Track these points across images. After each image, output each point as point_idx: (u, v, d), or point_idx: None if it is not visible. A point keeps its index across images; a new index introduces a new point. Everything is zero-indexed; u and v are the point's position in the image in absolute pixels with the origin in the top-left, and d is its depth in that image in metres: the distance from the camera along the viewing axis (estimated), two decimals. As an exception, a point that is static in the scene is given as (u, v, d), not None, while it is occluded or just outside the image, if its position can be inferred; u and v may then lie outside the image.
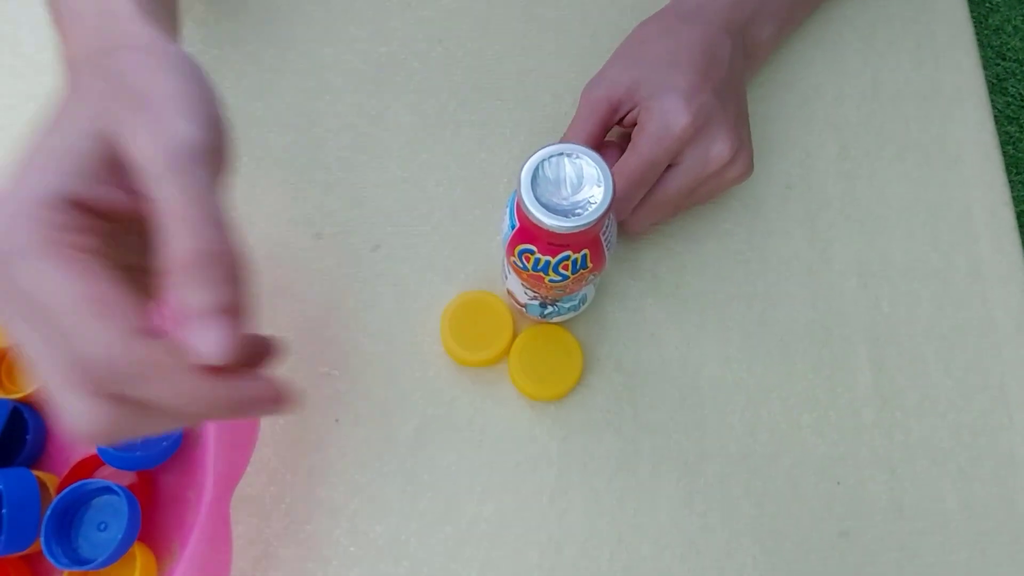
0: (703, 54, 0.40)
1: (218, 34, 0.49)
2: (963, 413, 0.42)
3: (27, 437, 0.38)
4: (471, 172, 0.47)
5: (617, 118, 0.41)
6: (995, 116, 0.48)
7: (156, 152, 0.24)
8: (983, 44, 1.24)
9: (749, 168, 0.42)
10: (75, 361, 0.22)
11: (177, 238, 0.23)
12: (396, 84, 0.49)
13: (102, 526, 0.36)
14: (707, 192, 0.42)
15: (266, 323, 0.43)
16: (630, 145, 0.39)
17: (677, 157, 0.39)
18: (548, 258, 0.33)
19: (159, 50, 0.27)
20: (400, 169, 0.47)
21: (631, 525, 0.40)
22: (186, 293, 0.23)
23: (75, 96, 0.26)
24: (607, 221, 0.33)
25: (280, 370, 0.42)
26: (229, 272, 0.24)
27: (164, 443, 0.37)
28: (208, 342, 0.23)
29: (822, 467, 0.41)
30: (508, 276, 0.40)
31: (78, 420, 0.22)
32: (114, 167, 0.25)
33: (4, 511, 0.34)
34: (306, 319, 0.44)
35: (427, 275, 0.44)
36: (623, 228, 0.42)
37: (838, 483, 0.41)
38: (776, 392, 0.43)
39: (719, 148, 0.39)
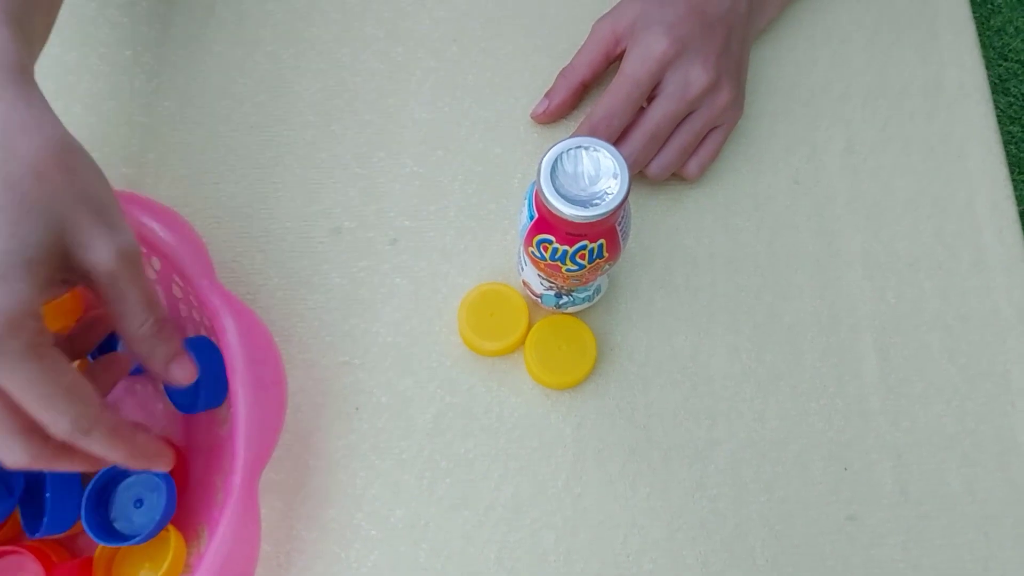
0: None
1: (239, 35, 0.51)
2: (967, 400, 0.43)
3: None
4: (486, 168, 0.48)
5: (619, 49, 0.45)
6: (997, 116, 0.49)
7: (110, 258, 0.30)
8: (985, 45, 1.25)
9: (738, 103, 0.46)
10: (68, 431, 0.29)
11: (137, 317, 0.32)
12: (412, 83, 0.50)
13: (138, 503, 0.38)
14: (701, 123, 0.45)
15: (287, 313, 0.45)
16: (618, 70, 0.44)
17: (660, 85, 0.44)
18: (566, 248, 0.34)
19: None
20: (416, 165, 0.48)
21: (644, 509, 0.41)
22: (157, 351, 0.33)
23: (35, 194, 0.29)
24: (622, 212, 0.34)
25: (302, 359, 0.44)
26: (173, 326, 0.33)
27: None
28: (186, 373, 0.33)
29: (830, 453, 0.42)
30: (524, 267, 0.41)
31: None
32: (65, 266, 0.30)
33: (47, 495, 0.35)
34: (326, 310, 0.45)
35: (443, 268, 0.46)
36: (641, 176, 0.46)
37: (845, 468, 0.42)
38: (784, 380, 0.44)
39: (697, 73, 0.43)
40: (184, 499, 0.41)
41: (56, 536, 0.37)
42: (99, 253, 0.30)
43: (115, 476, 0.37)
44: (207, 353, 0.38)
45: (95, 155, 0.50)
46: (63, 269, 0.30)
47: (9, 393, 0.28)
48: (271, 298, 0.45)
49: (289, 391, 0.41)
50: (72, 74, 0.50)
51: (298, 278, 0.45)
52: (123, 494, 0.38)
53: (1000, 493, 0.42)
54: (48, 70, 0.50)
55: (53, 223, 0.29)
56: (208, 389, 0.38)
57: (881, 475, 0.42)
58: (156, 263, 0.40)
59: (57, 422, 0.28)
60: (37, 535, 0.35)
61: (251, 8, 0.51)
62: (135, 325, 0.32)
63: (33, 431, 0.29)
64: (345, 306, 0.45)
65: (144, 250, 0.40)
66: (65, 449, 0.30)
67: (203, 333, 0.42)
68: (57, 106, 0.49)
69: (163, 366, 0.33)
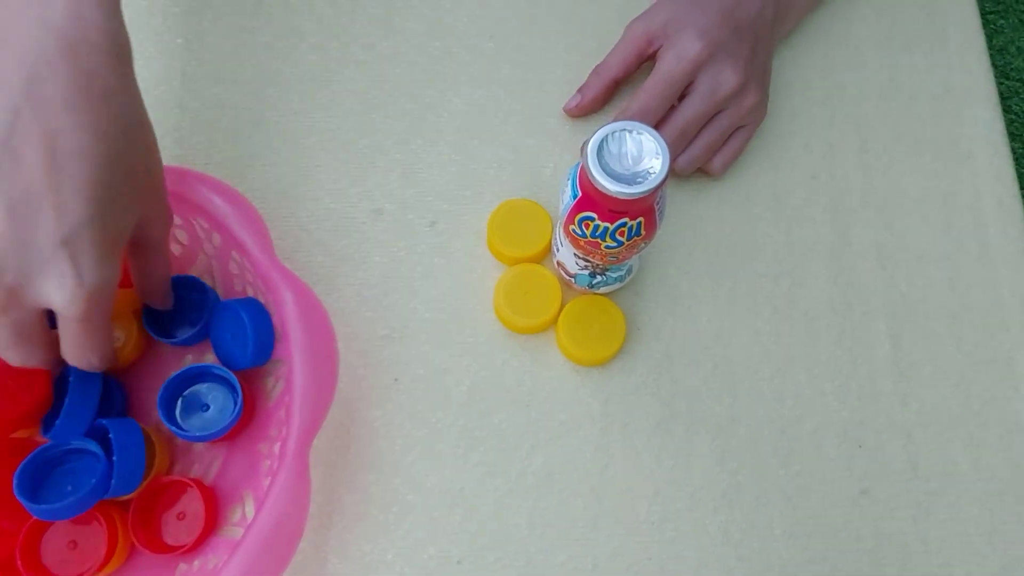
0: (731, 0, 0.47)
1: (286, 26, 0.53)
2: (973, 384, 0.46)
3: (115, 400, 0.42)
4: (519, 157, 0.50)
5: (651, 50, 0.48)
6: (998, 130, 0.52)
7: (164, 231, 0.38)
8: (986, 63, 1.29)
9: (763, 106, 0.48)
10: None
11: (161, 284, 0.41)
12: (449, 75, 0.52)
13: (204, 407, 0.42)
14: (728, 122, 0.47)
15: (330, 289, 0.47)
16: (653, 69, 0.47)
17: (692, 85, 0.46)
18: (607, 225, 0.37)
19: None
20: (453, 152, 0.50)
21: (668, 480, 0.44)
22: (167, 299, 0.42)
23: (121, 194, 0.34)
24: (661, 192, 0.37)
25: (343, 332, 0.46)
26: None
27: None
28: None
29: (844, 430, 0.45)
30: (560, 248, 0.43)
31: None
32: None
33: (114, 457, 0.37)
34: (367, 286, 0.47)
35: (479, 249, 0.48)
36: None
37: (859, 446, 0.44)
38: (801, 362, 0.46)
39: (727, 75, 0.45)
40: (229, 466, 0.43)
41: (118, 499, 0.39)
42: (159, 229, 0.38)
43: (189, 378, 0.42)
44: (256, 313, 0.40)
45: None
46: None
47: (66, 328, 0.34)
48: (315, 275, 0.47)
49: (333, 361, 0.43)
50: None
51: (340, 256, 0.48)
52: (191, 400, 0.42)
53: (1004, 472, 0.44)
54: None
55: (137, 213, 0.35)
56: (257, 347, 0.40)
57: (892, 452, 0.44)
58: (216, 239, 0.43)
59: (88, 362, 0.35)
60: (107, 495, 0.37)
61: (297, 1, 0.54)
62: (157, 292, 0.41)
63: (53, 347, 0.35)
64: (385, 283, 0.47)
65: (206, 225, 0.42)
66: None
67: (255, 303, 0.44)
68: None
69: (165, 302, 0.41)
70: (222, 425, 0.40)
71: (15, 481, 0.37)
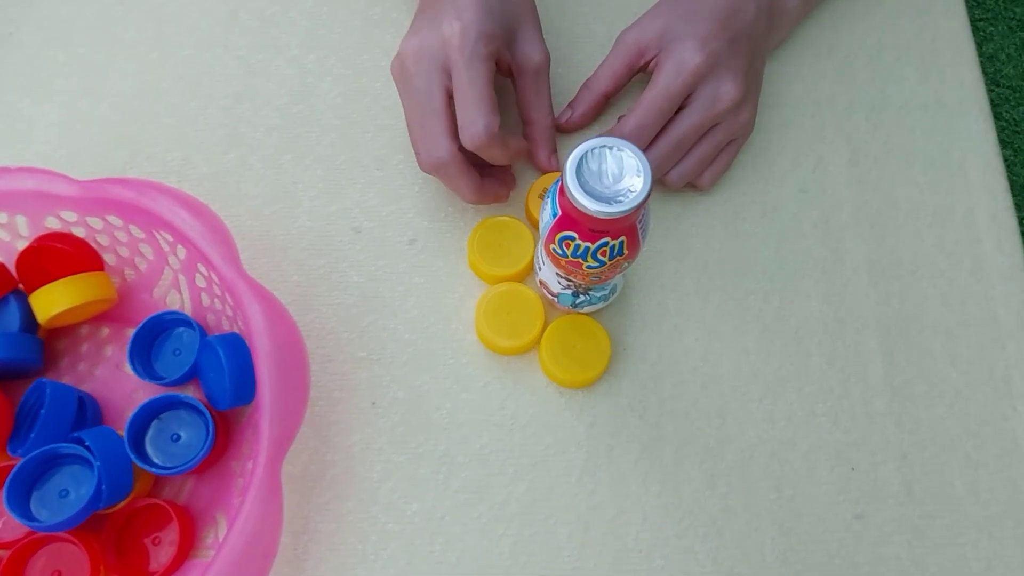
0: (726, 9, 0.45)
1: (263, 39, 0.52)
2: (969, 403, 0.44)
3: (87, 416, 0.40)
4: (502, 172, 0.49)
5: (643, 62, 0.46)
6: (991, 138, 0.51)
7: (541, 59, 0.45)
8: (977, 71, 1.29)
9: (753, 119, 0.47)
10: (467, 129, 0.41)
11: (545, 108, 0.46)
12: (430, 89, 0.51)
13: (175, 437, 0.40)
14: (723, 135, 0.46)
15: (306, 309, 0.45)
16: (650, 82, 0.45)
17: (691, 96, 0.45)
18: (588, 244, 0.35)
19: None
20: (434, 168, 0.49)
21: (656, 505, 0.42)
22: (549, 141, 0.47)
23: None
24: (643, 211, 0.35)
25: (320, 354, 0.45)
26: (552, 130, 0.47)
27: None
28: (557, 164, 0.48)
29: (837, 453, 0.43)
30: (542, 267, 0.42)
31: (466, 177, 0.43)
32: (507, 48, 0.44)
33: (98, 463, 0.36)
34: (344, 307, 0.46)
35: (460, 268, 0.47)
36: (660, 182, 0.47)
37: (852, 468, 0.43)
38: (792, 382, 0.45)
39: (727, 88, 0.44)
40: (201, 486, 0.41)
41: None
42: (535, 51, 0.44)
43: (158, 407, 0.40)
44: (238, 350, 0.39)
45: (121, 152, 0.51)
46: (505, 49, 0.43)
47: (454, 89, 0.40)
48: (291, 295, 0.46)
49: (308, 384, 0.42)
50: (100, 74, 0.51)
51: (317, 275, 0.46)
52: (160, 430, 0.40)
53: (1002, 494, 0.43)
54: (76, 69, 0.51)
55: (510, 19, 0.43)
56: (240, 386, 0.38)
57: (887, 475, 0.43)
58: (182, 252, 0.41)
59: (475, 123, 0.40)
60: (100, 507, 0.37)
61: (274, 14, 0.53)
62: (543, 114, 0.46)
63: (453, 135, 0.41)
64: (363, 303, 0.46)
65: (170, 238, 0.41)
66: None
67: (225, 321, 0.42)
68: (84, 105, 0.51)
69: (547, 155, 0.47)
70: (193, 457, 0.39)
71: (4, 496, 0.36)
